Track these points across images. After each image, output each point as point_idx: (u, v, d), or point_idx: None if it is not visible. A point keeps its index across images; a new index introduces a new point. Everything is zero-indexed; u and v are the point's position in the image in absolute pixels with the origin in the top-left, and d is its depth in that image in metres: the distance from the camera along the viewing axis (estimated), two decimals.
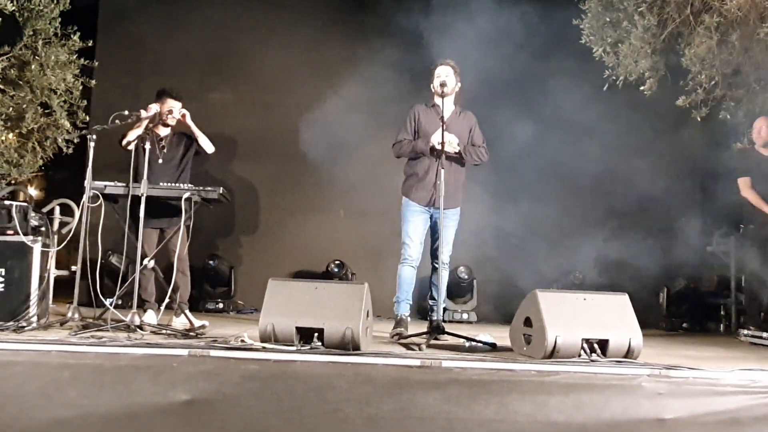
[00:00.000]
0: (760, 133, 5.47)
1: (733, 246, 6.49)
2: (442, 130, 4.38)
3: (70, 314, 4.05)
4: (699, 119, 5.48)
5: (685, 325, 6.81)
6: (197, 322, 4.43)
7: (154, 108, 4.73)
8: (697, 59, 5.17)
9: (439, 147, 4.40)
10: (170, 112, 4.96)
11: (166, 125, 5.05)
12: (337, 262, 6.86)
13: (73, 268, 4.39)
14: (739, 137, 5.87)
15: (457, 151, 4.55)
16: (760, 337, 5.07)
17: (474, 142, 4.71)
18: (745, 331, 5.37)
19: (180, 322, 4.67)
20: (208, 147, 5.05)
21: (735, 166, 5.66)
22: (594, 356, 3.31)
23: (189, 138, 5.06)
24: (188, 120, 4.98)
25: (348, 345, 3.27)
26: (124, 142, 4.73)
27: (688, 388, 2.96)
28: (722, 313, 6.81)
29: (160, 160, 4.96)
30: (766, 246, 5.37)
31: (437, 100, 4.67)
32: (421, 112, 4.73)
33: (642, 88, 5.39)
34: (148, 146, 4.56)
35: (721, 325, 6.79)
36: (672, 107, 5.60)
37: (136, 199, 4.25)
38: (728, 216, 6.56)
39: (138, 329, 3.77)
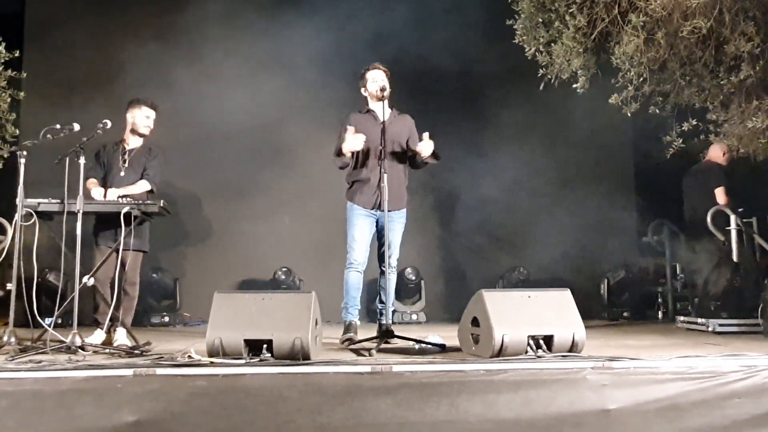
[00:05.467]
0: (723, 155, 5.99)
1: (666, 236, 6.74)
2: (383, 133, 4.41)
3: (6, 338, 3.88)
4: (629, 114, 5.66)
5: (625, 314, 7.05)
6: (127, 341, 4.33)
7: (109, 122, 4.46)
8: (626, 57, 5.33)
9: (358, 149, 4.47)
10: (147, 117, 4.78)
11: (140, 135, 4.84)
12: (284, 269, 6.82)
13: (9, 285, 4.22)
14: (667, 130, 6.11)
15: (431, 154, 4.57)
16: (695, 323, 5.29)
17: (412, 146, 4.75)
18: (682, 318, 5.60)
19: (120, 337, 4.52)
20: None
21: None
22: (540, 352, 3.38)
23: (150, 153, 4.87)
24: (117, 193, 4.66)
25: (298, 355, 3.25)
26: None
27: (629, 378, 3.06)
28: (659, 300, 7.07)
29: (122, 173, 4.73)
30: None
31: (373, 105, 4.69)
32: (357, 120, 4.69)
33: (575, 86, 5.53)
34: (82, 161, 4.33)
35: (660, 313, 7.05)
36: (604, 104, 5.78)
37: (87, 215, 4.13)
38: (661, 207, 6.82)
39: (79, 350, 3.66)
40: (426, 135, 4.54)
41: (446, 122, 7.00)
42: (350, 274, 4.59)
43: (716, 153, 6.05)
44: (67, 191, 4.14)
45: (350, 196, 4.73)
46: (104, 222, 4.50)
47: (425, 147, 4.50)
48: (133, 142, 4.86)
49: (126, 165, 4.77)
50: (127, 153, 4.82)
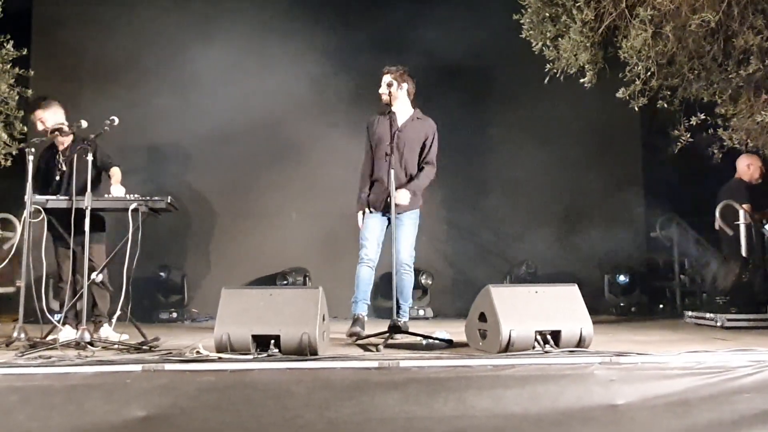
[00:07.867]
0: (749, 169, 5.87)
1: (675, 231, 6.71)
2: (392, 136, 4.39)
3: (15, 334, 3.92)
4: (637, 109, 5.64)
5: (633, 309, 7.02)
6: (115, 335, 4.33)
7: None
8: (634, 51, 5.30)
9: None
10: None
11: (62, 133, 4.65)
12: (286, 272, 6.78)
13: (18, 282, 4.24)
14: (676, 125, 6.07)
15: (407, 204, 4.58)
16: (704, 318, 5.27)
17: (425, 155, 4.73)
18: (690, 313, 5.57)
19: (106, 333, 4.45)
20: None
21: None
22: (547, 347, 3.37)
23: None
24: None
25: (305, 350, 3.26)
26: None
27: (638, 373, 3.06)
28: (668, 296, 7.04)
29: (73, 173, 4.38)
30: None
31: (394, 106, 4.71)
32: (375, 124, 4.76)
33: (582, 80, 5.51)
34: (89, 158, 4.26)
35: (668, 308, 7.02)
36: (612, 98, 5.75)
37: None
38: (669, 202, 6.78)
39: (89, 346, 3.68)
40: (402, 191, 4.51)
41: (452, 117, 6.97)
42: (362, 269, 4.64)
43: (741, 167, 5.95)
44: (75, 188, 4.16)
45: (362, 202, 4.76)
46: (59, 222, 4.34)
47: (400, 197, 4.47)
48: (62, 141, 4.73)
49: (70, 163, 4.50)
50: (62, 154, 4.69)
